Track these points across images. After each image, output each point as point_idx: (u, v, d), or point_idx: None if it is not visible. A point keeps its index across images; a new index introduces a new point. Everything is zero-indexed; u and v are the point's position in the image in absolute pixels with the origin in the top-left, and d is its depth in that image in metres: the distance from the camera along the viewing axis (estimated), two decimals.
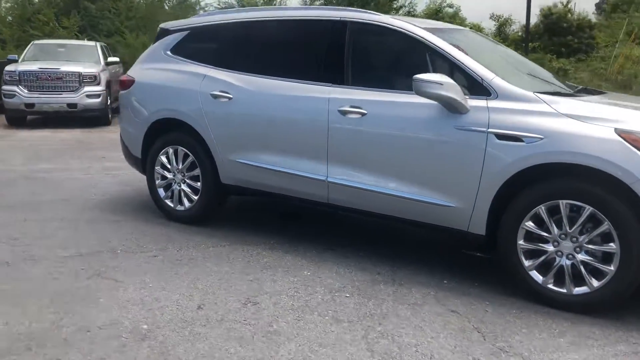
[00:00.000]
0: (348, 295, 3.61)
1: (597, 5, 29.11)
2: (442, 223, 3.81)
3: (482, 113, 3.56)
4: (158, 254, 4.27)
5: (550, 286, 3.46)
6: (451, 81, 3.56)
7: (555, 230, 3.39)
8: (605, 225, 3.23)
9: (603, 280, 3.29)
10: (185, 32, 5.11)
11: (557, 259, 3.43)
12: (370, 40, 4.24)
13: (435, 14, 22.13)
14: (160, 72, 5.12)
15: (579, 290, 3.38)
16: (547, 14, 20.86)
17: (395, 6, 23.10)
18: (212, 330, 3.12)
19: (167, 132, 4.97)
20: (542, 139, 3.35)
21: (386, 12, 23.48)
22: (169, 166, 5.01)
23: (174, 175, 5.01)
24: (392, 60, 4.33)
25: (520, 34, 21.55)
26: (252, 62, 4.65)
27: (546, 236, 3.43)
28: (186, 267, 4.02)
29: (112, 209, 5.43)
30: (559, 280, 3.44)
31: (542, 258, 3.47)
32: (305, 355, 2.88)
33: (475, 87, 3.65)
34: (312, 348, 2.95)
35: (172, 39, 5.17)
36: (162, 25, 5.51)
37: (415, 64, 4.03)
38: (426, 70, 3.86)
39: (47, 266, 3.98)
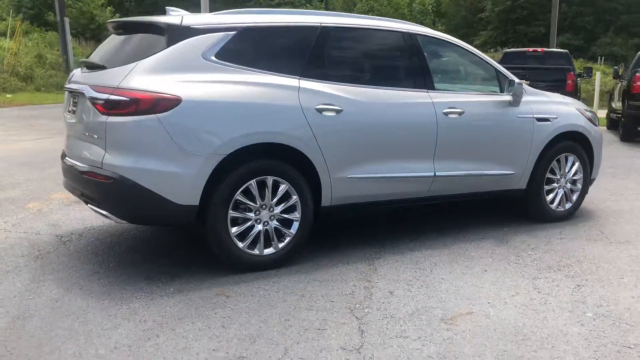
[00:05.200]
0: None
1: None
2: (504, 187, 5.20)
3: (525, 105, 5.14)
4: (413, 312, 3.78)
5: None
6: None
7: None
8: None
9: None
10: (231, 33, 3.94)
11: None
12: (436, 51, 4.86)
13: None
14: (218, 85, 3.82)
15: None
16: None
17: None
18: None
19: (245, 163, 3.88)
20: (556, 118, 5.31)
21: None
22: (251, 204, 3.94)
23: (257, 214, 3.98)
24: (456, 67, 5.08)
25: None
26: (350, 71, 4.39)
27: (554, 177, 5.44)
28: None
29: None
30: None
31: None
32: None
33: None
34: None
35: (209, 41, 3.87)
36: (172, 20, 3.86)
37: (474, 71, 5.10)
38: (482, 76, 5.06)
39: None
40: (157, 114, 3.62)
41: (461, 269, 4.20)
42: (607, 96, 16.59)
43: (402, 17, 52.93)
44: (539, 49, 14.53)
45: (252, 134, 3.87)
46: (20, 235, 4.81)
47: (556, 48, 21.00)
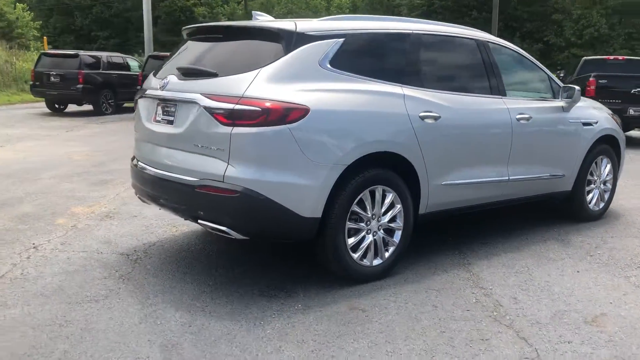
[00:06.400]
0: None
1: None
2: (556, 189, 5.39)
3: (575, 110, 5.36)
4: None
5: None
6: None
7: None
8: None
9: None
10: (340, 40, 3.82)
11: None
12: (502, 57, 4.94)
13: None
14: (338, 94, 3.71)
15: None
16: None
17: None
18: None
19: (361, 172, 3.78)
20: (597, 122, 5.58)
21: None
22: (364, 214, 3.85)
23: (367, 224, 3.90)
24: (520, 74, 5.17)
25: None
26: (440, 78, 4.40)
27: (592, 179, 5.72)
28: None
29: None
30: None
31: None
32: None
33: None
34: None
35: (323, 48, 3.74)
36: (287, 26, 3.67)
37: (532, 77, 5.24)
38: (538, 82, 5.24)
39: None
40: (287, 125, 3.46)
41: (554, 271, 4.32)
42: None
43: None
44: None
45: (371, 142, 3.79)
46: (81, 255, 4.42)
47: None
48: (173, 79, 3.91)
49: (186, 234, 5.06)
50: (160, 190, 3.96)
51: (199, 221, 3.71)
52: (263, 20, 4.29)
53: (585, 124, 5.47)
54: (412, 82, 4.15)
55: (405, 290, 3.88)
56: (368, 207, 3.89)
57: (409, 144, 3.99)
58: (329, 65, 3.76)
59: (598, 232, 5.41)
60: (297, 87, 3.58)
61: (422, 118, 4.07)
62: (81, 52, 17.36)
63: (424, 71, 4.30)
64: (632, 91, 11.92)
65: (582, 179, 5.58)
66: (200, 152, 3.62)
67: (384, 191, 3.95)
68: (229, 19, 54.72)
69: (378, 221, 3.97)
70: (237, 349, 3.03)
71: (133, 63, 18.78)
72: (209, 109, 3.52)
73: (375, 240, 3.97)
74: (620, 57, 13.66)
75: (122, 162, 8.65)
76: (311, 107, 3.53)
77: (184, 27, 4.40)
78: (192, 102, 3.63)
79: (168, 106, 3.90)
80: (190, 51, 4.18)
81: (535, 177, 5.07)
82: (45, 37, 27.33)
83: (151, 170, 4.01)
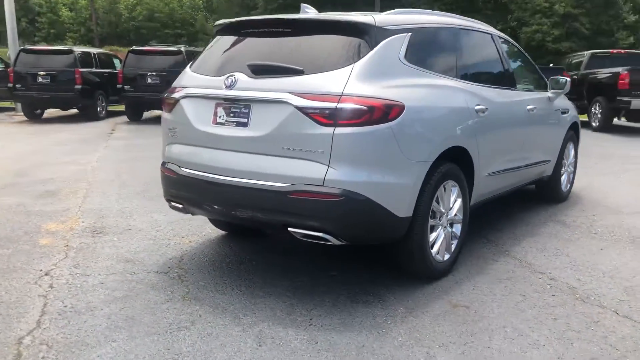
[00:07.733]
0: None
1: None
2: (543, 174, 5.75)
3: (556, 100, 5.76)
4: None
5: None
6: None
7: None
8: None
9: None
10: (409, 34, 3.71)
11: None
12: (507, 50, 5.11)
13: None
14: (419, 89, 3.64)
15: None
16: None
17: None
18: None
19: (438, 168, 3.73)
20: (569, 110, 6.05)
21: None
22: (439, 210, 3.83)
23: (440, 220, 3.87)
24: (520, 67, 5.34)
25: None
26: (478, 72, 4.50)
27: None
28: None
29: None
30: None
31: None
32: None
33: (544, 84, 5.71)
34: None
35: (399, 43, 3.62)
36: (368, 20, 3.45)
37: (526, 69, 5.51)
38: (531, 73, 5.54)
39: None
40: (389, 122, 3.32)
41: (583, 249, 4.60)
42: None
43: (173, 11, 51.32)
44: None
45: (449, 137, 3.79)
46: (114, 278, 3.89)
47: None
48: (242, 77, 3.54)
49: (203, 243, 4.66)
50: (228, 198, 3.60)
51: (290, 229, 3.43)
52: (312, 12, 4.07)
53: (562, 112, 5.90)
54: (462, 76, 4.19)
55: (481, 282, 3.92)
56: (441, 203, 3.87)
57: (470, 137, 4.03)
58: (405, 60, 3.67)
59: (575, 211, 5.86)
60: (387, 84, 3.45)
61: (477, 111, 4.13)
62: None
63: (468, 65, 4.37)
64: None
65: (559, 164, 6.01)
66: (290, 155, 3.34)
67: (452, 186, 3.96)
68: (70, 10, 50.91)
69: (447, 216, 3.97)
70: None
71: None
72: (303, 109, 3.26)
73: (445, 235, 3.96)
74: (622, 51, 14.81)
75: (46, 170, 7.79)
76: (405, 104, 3.42)
77: (219, 22, 4.03)
78: (280, 102, 3.33)
79: (237, 107, 3.54)
80: (246, 47, 3.82)
81: (535, 163, 5.38)
82: None
83: (211, 177, 3.62)
